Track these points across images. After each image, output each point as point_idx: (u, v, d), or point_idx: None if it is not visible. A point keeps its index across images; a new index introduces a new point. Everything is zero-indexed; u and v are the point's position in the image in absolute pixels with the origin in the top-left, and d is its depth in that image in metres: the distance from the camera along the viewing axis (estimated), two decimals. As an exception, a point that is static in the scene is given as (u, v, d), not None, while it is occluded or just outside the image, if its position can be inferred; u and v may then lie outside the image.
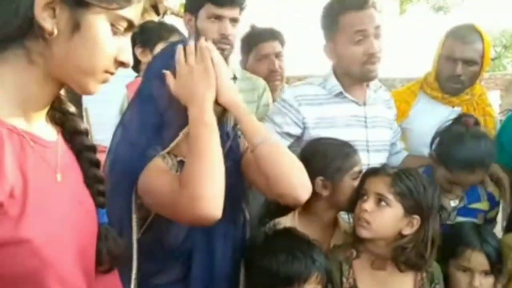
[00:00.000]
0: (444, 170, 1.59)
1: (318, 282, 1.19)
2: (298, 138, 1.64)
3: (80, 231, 0.76)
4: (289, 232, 1.29)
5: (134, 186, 1.08)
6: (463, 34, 1.83)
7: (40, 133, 0.73)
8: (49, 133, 0.77)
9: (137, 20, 0.76)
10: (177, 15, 6.89)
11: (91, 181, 0.82)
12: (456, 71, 1.81)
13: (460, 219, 1.63)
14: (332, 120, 1.62)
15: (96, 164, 0.83)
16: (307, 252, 1.20)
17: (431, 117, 1.79)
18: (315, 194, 1.29)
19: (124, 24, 0.74)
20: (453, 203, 1.63)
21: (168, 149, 1.11)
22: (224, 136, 1.16)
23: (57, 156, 0.75)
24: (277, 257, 1.19)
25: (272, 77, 2.11)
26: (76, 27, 0.69)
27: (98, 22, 0.70)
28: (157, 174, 1.06)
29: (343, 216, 1.52)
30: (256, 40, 2.17)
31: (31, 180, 0.67)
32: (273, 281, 1.18)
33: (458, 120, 1.65)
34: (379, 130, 1.70)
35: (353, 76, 1.64)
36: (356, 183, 1.39)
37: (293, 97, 1.63)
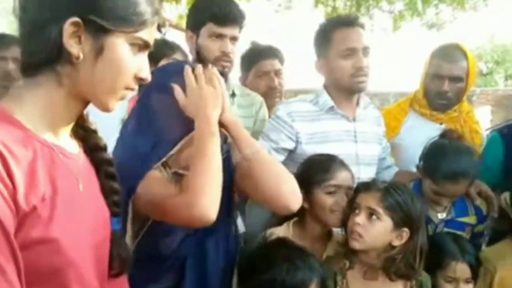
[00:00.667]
0: (431, 182, 1.66)
1: None
2: (291, 152, 1.71)
3: (97, 236, 0.83)
4: (283, 242, 1.32)
5: (131, 197, 1.13)
6: (448, 52, 1.93)
7: (66, 146, 0.82)
8: (73, 146, 0.85)
9: (152, 40, 0.83)
10: (175, 27, 6.98)
11: (108, 192, 0.90)
12: (443, 88, 1.89)
13: (448, 231, 1.68)
14: (324, 135, 1.70)
15: (113, 177, 0.91)
16: (306, 260, 1.23)
17: (421, 133, 1.85)
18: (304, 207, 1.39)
19: (142, 43, 0.81)
20: (440, 216, 1.69)
21: (164, 159, 1.16)
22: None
23: (79, 167, 0.83)
24: (278, 267, 1.20)
25: (271, 94, 2.17)
26: (99, 50, 0.78)
27: (118, 44, 0.78)
28: (155, 182, 1.13)
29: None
30: (256, 57, 2.24)
31: (59, 187, 0.75)
32: None
33: (443, 135, 1.74)
34: (369, 145, 1.78)
35: (342, 88, 1.72)
36: (331, 197, 1.46)
37: (286, 114, 1.70)
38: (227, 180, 1.25)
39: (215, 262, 1.23)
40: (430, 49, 2.01)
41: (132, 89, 0.83)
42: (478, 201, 1.73)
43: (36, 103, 0.78)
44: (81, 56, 0.76)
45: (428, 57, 1.98)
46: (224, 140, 1.27)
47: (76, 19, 0.75)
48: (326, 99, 1.73)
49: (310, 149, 1.65)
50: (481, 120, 2.15)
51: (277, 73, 2.22)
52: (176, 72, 1.22)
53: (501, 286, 1.55)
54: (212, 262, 1.23)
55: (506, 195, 1.74)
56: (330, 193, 1.47)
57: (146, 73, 0.83)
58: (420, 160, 1.73)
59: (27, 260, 0.70)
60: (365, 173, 1.69)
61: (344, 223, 1.45)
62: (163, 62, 1.75)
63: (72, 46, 0.76)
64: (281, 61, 2.27)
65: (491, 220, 1.76)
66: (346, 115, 1.75)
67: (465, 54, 1.93)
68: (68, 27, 0.75)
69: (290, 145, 1.69)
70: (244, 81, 2.28)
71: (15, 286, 0.67)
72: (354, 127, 1.76)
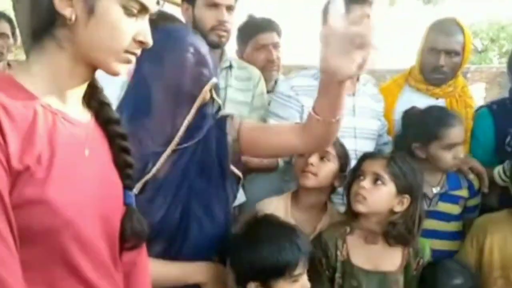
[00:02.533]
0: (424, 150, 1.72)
1: (304, 266, 1.22)
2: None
3: (104, 202, 0.84)
4: (270, 220, 1.29)
5: None
6: (445, 26, 1.92)
7: (72, 113, 0.83)
8: (83, 115, 0.86)
9: (150, 3, 0.82)
10: (172, 2, 6.86)
11: (121, 165, 0.91)
12: (439, 62, 1.88)
13: (442, 204, 1.73)
14: None
15: (126, 150, 0.91)
16: (293, 239, 1.22)
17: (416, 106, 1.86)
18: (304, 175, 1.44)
19: (136, 6, 0.80)
20: (435, 190, 1.74)
21: (150, 176, 1.16)
22: (205, 122, 1.22)
23: (87, 135, 0.84)
24: (264, 248, 1.18)
25: (269, 67, 2.17)
26: (91, 11, 0.77)
27: (109, 5, 0.78)
28: None
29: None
30: (254, 30, 2.22)
31: (58, 151, 0.76)
32: (265, 272, 1.18)
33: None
34: (367, 120, 1.81)
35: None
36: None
37: (290, 88, 1.72)
38: (216, 155, 1.26)
39: (203, 231, 1.23)
40: (426, 24, 2.00)
41: (135, 54, 0.83)
42: (471, 176, 1.77)
43: (41, 69, 0.79)
44: (73, 18, 0.77)
45: (424, 31, 1.97)
46: (213, 116, 1.25)
47: None
48: None
49: None
50: (475, 97, 2.16)
51: (275, 46, 2.22)
52: (175, 38, 1.19)
53: (492, 249, 1.60)
54: (200, 231, 1.23)
55: (499, 168, 1.77)
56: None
57: (145, 37, 0.83)
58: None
59: (22, 219, 0.71)
60: (362, 146, 1.72)
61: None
62: None
63: (64, 8, 0.77)
64: (279, 34, 2.26)
65: (481, 195, 1.80)
66: (346, 90, 1.76)
67: (461, 29, 1.93)
68: None
69: (299, 118, 1.71)
70: (241, 54, 2.27)
71: (9, 242, 0.69)
72: (353, 101, 1.78)
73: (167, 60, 1.16)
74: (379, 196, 1.40)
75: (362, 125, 1.79)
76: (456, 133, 1.70)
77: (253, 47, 2.21)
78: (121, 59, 0.82)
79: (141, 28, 0.82)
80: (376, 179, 1.41)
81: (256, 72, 1.98)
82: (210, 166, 1.26)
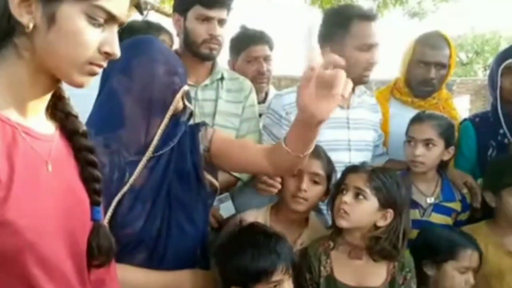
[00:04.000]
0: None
1: (284, 273, 1.24)
2: None
3: (70, 220, 0.79)
4: (254, 227, 1.33)
5: None
6: (433, 40, 1.97)
7: (34, 126, 0.77)
8: (46, 127, 0.81)
9: (119, 12, 0.77)
10: (157, 10, 6.88)
11: (88, 179, 0.85)
12: (429, 75, 1.93)
13: (435, 215, 1.75)
14: None
15: (93, 164, 0.86)
16: (272, 246, 1.25)
17: (403, 120, 1.89)
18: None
19: (103, 15, 0.75)
20: (429, 200, 1.75)
21: (128, 186, 1.15)
22: (178, 129, 1.24)
23: (50, 148, 0.79)
24: (244, 254, 1.23)
25: (259, 79, 2.20)
26: (51, 20, 0.72)
27: (72, 13, 0.73)
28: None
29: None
30: (246, 42, 2.25)
31: (18, 167, 0.71)
32: (243, 277, 1.22)
33: None
34: (362, 132, 1.81)
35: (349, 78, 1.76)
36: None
37: (281, 108, 1.74)
38: (192, 162, 1.27)
39: (185, 237, 1.24)
40: (411, 37, 2.04)
41: (100, 65, 0.77)
42: (465, 190, 1.79)
43: (0, 78, 0.74)
44: (31, 25, 0.72)
45: (410, 44, 2.01)
46: (185, 123, 1.27)
47: None
48: None
49: None
50: (460, 109, 2.21)
51: (266, 59, 2.25)
52: (144, 48, 1.19)
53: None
54: (182, 238, 1.23)
55: (481, 180, 1.81)
56: (293, 175, 1.46)
57: (112, 48, 0.76)
58: None
59: None
60: (356, 158, 1.72)
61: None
62: None
63: (21, 15, 0.72)
64: (271, 47, 2.29)
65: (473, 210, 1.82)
66: (340, 103, 1.78)
67: (447, 42, 1.98)
68: None
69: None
70: (233, 65, 2.29)
71: None
72: (348, 114, 1.79)
73: (137, 70, 1.17)
74: (362, 211, 1.39)
75: (356, 137, 1.79)
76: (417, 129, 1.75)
77: (245, 58, 2.24)
78: (84, 71, 0.76)
79: (108, 38, 0.76)
80: (358, 193, 1.40)
81: (247, 84, 1.97)
82: (187, 172, 1.26)
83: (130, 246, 1.17)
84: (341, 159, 1.68)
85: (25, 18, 0.72)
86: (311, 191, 1.48)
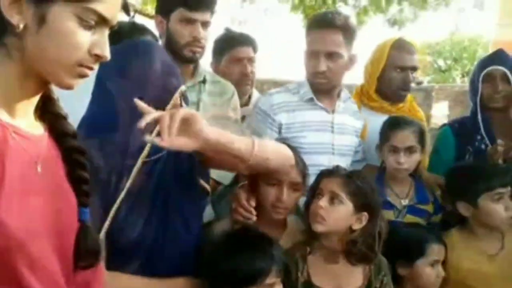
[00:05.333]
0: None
1: (277, 276, 1.26)
2: None
3: (58, 221, 0.80)
4: (247, 231, 1.35)
5: None
6: (406, 45, 2.04)
7: (24, 126, 0.78)
8: (35, 128, 0.81)
9: (110, 15, 0.77)
10: (139, 13, 6.83)
11: (76, 181, 0.86)
12: (408, 79, 2.00)
13: (409, 216, 1.79)
14: (302, 124, 1.76)
15: (82, 165, 0.86)
16: (266, 249, 1.26)
17: (374, 125, 1.93)
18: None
19: (94, 17, 0.75)
20: (404, 202, 1.80)
21: (125, 191, 1.14)
22: None
23: (39, 148, 0.79)
24: (238, 257, 1.23)
25: (243, 81, 2.20)
26: (41, 20, 0.73)
27: (63, 15, 0.73)
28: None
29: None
30: (230, 43, 2.24)
31: (9, 167, 0.71)
32: (238, 280, 1.22)
33: None
34: (345, 137, 1.85)
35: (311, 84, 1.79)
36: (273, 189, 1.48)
37: (269, 107, 1.76)
38: (188, 166, 1.27)
39: (180, 243, 1.24)
40: (378, 45, 2.09)
41: (90, 68, 0.78)
42: (438, 192, 1.84)
43: None
44: (21, 26, 0.72)
45: (381, 51, 2.04)
46: None
47: None
48: (306, 91, 1.80)
49: (290, 136, 1.72)
50: (439, 115, 2.27)
51: (250, 60, 2.25)
52: (141, 50, 1.20)
53: (449, 268, 1.65)
54: (177, 244, 1.23)
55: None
56: (272, 184, 1.47)
57: (102, 50, 0.77)
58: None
59: None
60: (338, 163, 1.71)
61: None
62: None
63: (12, 15, 0.72)
64: (255, 49, 2.30)
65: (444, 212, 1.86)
66: (325, 107, 1.81)
67: (415, 47, 2.08)
68: None
69: (275, 136, 1.74)
70: (216, 67, 2.28)
71: None
72: (332, 118, 1.82)
73: (134, 72, 1.16)
74: (337, 215, 1.40)
75: (340, 142, 1.82)
76: (399, 136, 1.78)
77: (229, 60, 2.23)
78: (74, 73, 0.76)
79: (98, 41, 0.77)
80: (333, 197, 1.41)
81: (229, 87, 1.99)
82: (184, 177, 1.26)
83: (127, 252, 1.17)
84: (323, 162, 1.70)
85: (15, 18, 0.72)
86: (291, 198, 1.49)
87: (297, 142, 1.66)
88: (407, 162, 1.78)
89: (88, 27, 0.75)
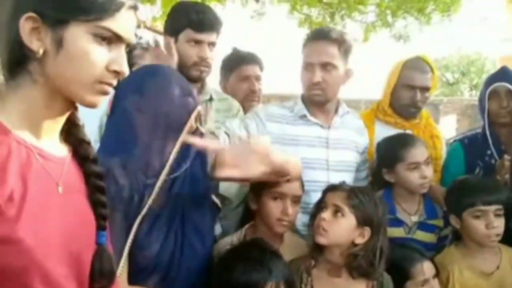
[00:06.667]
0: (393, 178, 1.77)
1: None
2: None
3: (76, 241, 0.82)
4: (254, 242, 1.38)
5: None
6: (419, 64, 2.06)
7: (48, 148, 0.81)
8: (59, 150, 0.85)
9: (124, 32, 0.80)
10: (149, 29, 6.94)
11: (95, 204, 0.88)
12: (416, 98, 2.02)
13: (420, 233, 1.79)
14: (295, 138, 1.76)
15: (101, 190, 0.89)
16: (265, 262, 1.28)
17: None
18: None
19: (108, 35, 0.78)
20: (414, 218, 1.80)
21: (146, 208, 1.16)
22: (190, 151, 1.26)
23: (62, 170, 0.82)
24: (236, 269, 1.27)
25: (250, 98, 2.28)
26: (59, 43, 0.76)
27: (78, 35, 0.77)
28: None
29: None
30: (239, 61, 2.34)
31: (31, 187, 0.75)
32: None
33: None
34: (342, 152, 1.82)
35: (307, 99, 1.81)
36: (276, 203, 1.50)
37: (264, 113, 1.78)
38: (203, 182, 1.30)
39: (197, 255, 1.28)
40: (395, 61, 2.12)
41: (110, 84, 0.80)
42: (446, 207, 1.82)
43: (16, 104, 0.79)
44: (41, 51, 0.76)
45: (395, 68, 2.09)
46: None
47: (30, 14, 0.75)
48: (300, 108, 1.81)
49: (279, 150, 1.70)
50: (446, 128, 2.27)
51: (258, 78, 2.34)
52: (160, 71, 1.24)
53: (454, 286, 1.65)
54: (194, 256, 1.27)
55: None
56: (275, 198, 1.49)
57: (120, 66, 0.80)
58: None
59: None
60: (334, 178, 1.72)
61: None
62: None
63: (32, 42, 0.76)
64: (261, 68, 2.39)
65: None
66: (320, 123, 1.81)
67: (430, 66, 2.07)
68: (23, 24, 0.75)
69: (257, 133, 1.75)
70: (224, 85, 2.37)
71: None
72: (327, 134, 1.81)
73: (153, 91, 1.19)
74: (339, 228, 1.42)
75: (336, 157, 1.79)
76: (418, 152, 1.78)
77: (237, 77, 2.32)
78: (94, 90, 0.79)
79: (116, 57, 0.80)
80: (337, 211, 1.43)
81: (235, 104, 2.05)
82: (199, 193, 1.29)
83: (148, 269, 1.19)
84: (318, 178, 1.71)
85: (35, 44, 0.76)
86: (294, 212, 1.52)
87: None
88: (430, 174, 1.79)
89: (103, 44, 0.78)
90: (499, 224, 1.63)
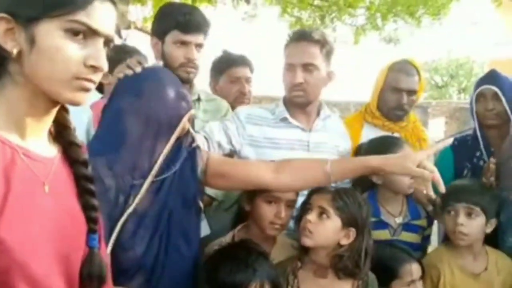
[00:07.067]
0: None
1: None
2: (235, 153, 1.76)
3: (64, 242, 0.81)
4: (242, 244, 1.39)
5: None
6: (405, 67, 2.07)
7: (34, 148, 0.80)
8: (47, 150, 0.84)
9: (99, 26, 0.77)
10: (140, 30, 6.92)
11: (85, 207, 0.87)
12: (402, 101, 2.03)
13: (405, 234, 1.80)
14: (276, 141, 1.76)
15: (91, 193, 0.88)
16: (250, 262, 1.29)
17: None
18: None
19: (82, 29, 0.76)
20: (398, 220, 1.81)
21: (131, 209, 1.16)
22: (180, 154, 1.26)
23: (49, 171, 0.81)
24: (221, 268, 1.29)
25: (240, 99, 2.29)
26: (32, 41, 0.75)
27: (49, 31, 0.75)
28: None
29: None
30: (229, 63, 2.35)
31: (14, 187, 0.74)
32: None
33: None
34: (323, 155, 1.79)
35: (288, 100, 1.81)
36: (270, 206, 1.50)
37: (244, 115, 1.78)
38: (192, 184, 1.30)
39: (182, 258, 1.28)
40: (382, 65, 2.13)
41: (88, 79, 0.78)
42: (430, 208, 1.84)
43: (0, 105, 0.78)
44: (15, 51, 0.75)
45: (382, 71, 2.10)
46: (186, 147, 1.29)
47: (2, 15, 0.74)
48: (281, 110, 1.81)
49: (261, 152, 1.72)
50: (435, 131, 2.29)
51: (247, 80, 2.36)
52: (154, 73, 1.24)
53: (446, 286, 1.66)
54: (179, 258, 1.26)
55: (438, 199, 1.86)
56: (269, 202, 1.50)
57: (97, 61, 0.77)
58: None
59: None
60: None
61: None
62: (119, 68, 1.70)
63: (6, 43, 0.75)
64: (251, 70, 2.41)
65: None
66: (301, 126, 1.81)
67: (417, 69, 2.09)
68: None
69: (237, 143, 1.74)
70: (214, 86, 2.38)
71: None
72: (309, 137, 1.80)
73: (147, 92, 1.20)
74: (325, 229, 1.43)
75: None
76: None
77: (227, 79, 2.33)
78: (72, 87, 0.77)
79: (92, 52, 0.77)
80: (322, 212, 1.44)
81: (224, 104, 2.05)
82: (187, 195, 1.29)
83: (131, 270, 1.19)
84: None
85: (9, 45, 0.75)
86: (288, 215, 1.53)
87: (269, 159, 1.60)
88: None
89: (77, 39, 0.76)
90: (467, 224, 1.65)
